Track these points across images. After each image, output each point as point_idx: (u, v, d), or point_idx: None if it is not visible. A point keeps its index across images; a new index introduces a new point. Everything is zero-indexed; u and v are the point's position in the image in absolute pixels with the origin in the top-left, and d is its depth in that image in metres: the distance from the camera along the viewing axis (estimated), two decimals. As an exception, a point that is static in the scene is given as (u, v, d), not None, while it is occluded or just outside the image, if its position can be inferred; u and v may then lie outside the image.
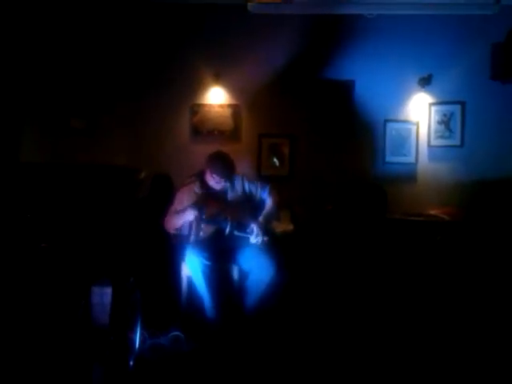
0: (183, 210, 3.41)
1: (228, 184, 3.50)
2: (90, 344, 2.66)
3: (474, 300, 3.67)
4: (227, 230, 3.38)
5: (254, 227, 3.40)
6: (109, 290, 2.77)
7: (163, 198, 3.98)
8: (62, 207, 3.61)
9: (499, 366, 2.88)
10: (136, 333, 2.87)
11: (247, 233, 3.41)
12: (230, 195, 3.54)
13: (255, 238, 3.39)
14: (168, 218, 3.50)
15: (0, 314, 2.96)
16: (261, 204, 3.58)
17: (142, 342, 2.94)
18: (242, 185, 3.58)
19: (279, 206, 3.64)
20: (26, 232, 3.37)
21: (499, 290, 3.73)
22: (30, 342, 2.83)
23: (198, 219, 3.35)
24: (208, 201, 3.43)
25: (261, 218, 3.47)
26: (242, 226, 3.42)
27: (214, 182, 3.46)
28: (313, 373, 2.86)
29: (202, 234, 3.38)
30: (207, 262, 3.28)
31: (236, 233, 3.40)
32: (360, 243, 4.14)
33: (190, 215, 3.37)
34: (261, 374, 2.83)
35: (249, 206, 3.52)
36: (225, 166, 3.46)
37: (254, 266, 3.35)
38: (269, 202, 3.56)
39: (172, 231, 3.52)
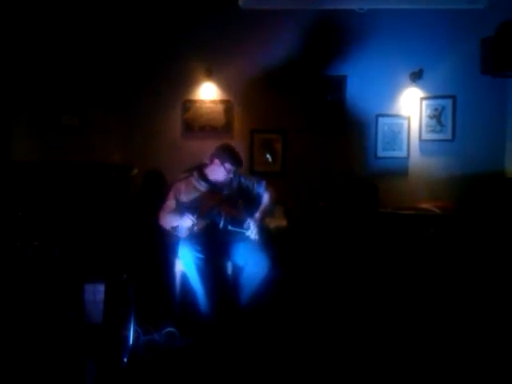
0: (180, 214, 3.40)
1: (232, 176, 3.52)
2: (84, 341, 2.66)
3: (466, 292, 3.70)
4: (221, 224, 3.39)
5: (251, 223, 3.42)
6: (102, 288, 2.77)
7: (155, 195, 3.98)
8: (53, 205, 3.59)
9: (495, 362, 2.90)
10: (129, 329, 2.87)
11: (243, 228, 3.42)
12: (227, 190, 3.55)
13: (251, 233, 3.41)
14: (163, 215, 3.49)
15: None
16: (256, 200, 3.59)
17: (135, 338, 2.94)
18: (239, 181, 3.60)
19: (276, 201, 3.67)
20: (18, 230, 3.35)
21: (491, 282, 3.75)
22: (22, 339, 2.82)
23: (194, 226, 3.35)
24: (204, 195, 3.44)
25: (257, 214, 3.48)
26: (237, 221, 3.43)
27: (225, 171, 3.47)
28: (307, 368, 2.88)
29: (195, 228, 3.38)
30: (200, 256, 3.28)
31: (230, 227, 3.41)
32: (353, 238, 4.15)
33: (186, 222, 3.36)
34: (255, 369, 2.84)
35: (244, 202, 3.53)
36: (236, 155, 3.54)
37: (249, 261, 3.36)
38: (265, 198, 3.59)
39: (167, 228, 3.52)
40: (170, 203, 3.49)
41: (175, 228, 3.46)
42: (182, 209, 3.40)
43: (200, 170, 3.57)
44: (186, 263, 3.33)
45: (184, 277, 3.38)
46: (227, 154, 3.50)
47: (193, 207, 3.38)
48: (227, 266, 3.44)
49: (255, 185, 3.62)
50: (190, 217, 3.33)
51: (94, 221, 3.53)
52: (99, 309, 2.74)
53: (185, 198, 3.48)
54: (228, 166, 3.46)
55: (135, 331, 2.94)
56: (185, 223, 3.37)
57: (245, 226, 3.43)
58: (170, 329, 3.13)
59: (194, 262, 3.27)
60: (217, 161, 3.49)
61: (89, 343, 2.64)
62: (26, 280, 3.07)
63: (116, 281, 2.85)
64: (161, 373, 2.79)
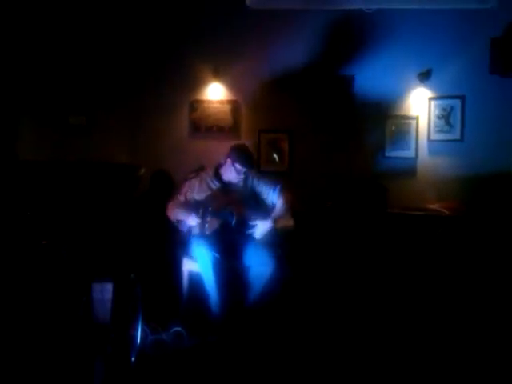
0: (188, 212, 3.42)
1: (244, 177, 3.52)
2: (92, 340, 2.66)
3: (474, 294, 3.67)
4: (233, 223, 3.40)
5: (261, 224, 3.42)
6: (110, 287, 2.77)
7: (163, 194, 3.98)
8: (61, 204, 3.60)
9: (500, 363, 2.88)
10: (137, 329, 2.87)
11: (252, 228, 3.43)
12: (240, 191, 3.55)
13: (259, 234, 3.42)
14: (173, 207, 3.53)
15: (2, 311, 2.96)
16: (269, 204, 3.58)
17: (143, 337, 2.94)
18: (252, 182, 3.60)
19: (290, 205, 3.66)
20: (27, 230, 3.36)
21: (499, 284, 3.73)
22: (31, 339, 2.83)
23: (200, 225, 3.38)
24: (217, 193, 3.45)
25: (270, 218, 3.49)
26: (247, 221, 3.44)
27: (235, 171, 3.48)
28: (314, 368, 2.87)
29: (207, 227, 3.39)
30: (217, 255, 3.29)
31: (241, 227, 3.42)
32: (360, 238, 4.14)
33: (191, 220, 3.40)
34: (262, 369, 2.84)
35: (255, 203, 3.53)
36: (247, 156, 3.54)
37: (255, 261, 3.37)
38: (279, 204, 3.57)
39: (173, 220, 3.55)
40: (180, 198, 3.53)
41: (180, 222, 3.51)
42: (189, 207, 3.43)
43: (216, 169, 3.58)
44: (201, 262, 3.32)
45: (192, 276, 3.39)
46: (238, 154, 3.51)
47: (202, 205, 3.40)
48: (238, 265, 3.44)
49: (270, 191, 3.60)
50: (195, 217, 3.35)
51: (101, 220, 3.54)
52: (107, 308, 2.74)
53: (197, 195, 3.51)
54: (238, 166, 3.47)
55: (143, 330, 2.94)
56: (189, 222, 3.41)
57: (253, 226, 3.44)
58: (177, 328, 3.14)
59: (211, 261, 3.27)
60: (229, 160, 3.51)
61: (97, 342, 2.64)
62: (35, 279, 3.08)
63: (124, 280, 2.85)
64: (168, 372, 2.79)
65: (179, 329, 3.14)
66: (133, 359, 2.75)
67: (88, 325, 2.74)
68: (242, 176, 3.51)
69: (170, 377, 2.76)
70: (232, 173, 3.50)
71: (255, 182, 3.61)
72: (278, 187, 3.61)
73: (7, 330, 2.85)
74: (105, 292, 2.79)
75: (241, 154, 3.50)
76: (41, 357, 2.69)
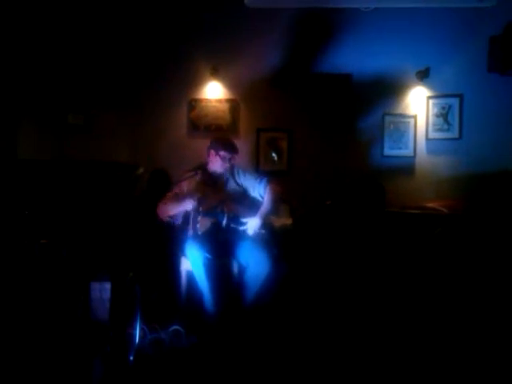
0: (181, 199, 3.43)
1: (230, 166, 3.55)
2: (90, 339, 2.67)
3: (473, 293, 3.67)
4: (224, 222, 3.41)
5: (250, 220, 3.43)
6: (108, 286, 2.78)
7: (161, 194, 3.99)
8: (60, 203, 3.60)
9: (499, 364, 2.88)
10: (136, 328, 2.87)
11: (243, 225, 3.43)
12: (229, 188, 3.57)
13: (251, 230, 3.43)
14: (163, 204, 3.51)
15: (0, 310, 2.96)
16: (258, 198, 3.60)
17: (141, 336, 2.95)
18: (239, 177, 3.62)
19: (279, 196, 3.67)
20: (25, 228, 3.36)
21: (499, 283, 3.73)
22: (29, 338, 2.83)
23: (196, 210, 3.37)
24: (207, 193, 3.45)
25: (258, 214, 3.49)
26: (239, 219, 3.45)
27: (221, 160, 3.51)
28: (312, 366, 2.87)
29: (198, 226, 3.40)
30: (208, 255, 3.30)
31: (232, 225, 3.42)
32: (359, 237, 4.14)
33: (187, 205, 3.40)
34: (260, 368, 2.84)
35: (246, 199, 3.55)
36: (228, 142, 3.66)
37: (251, 260, 3.37)
38: (266, 197, 3.59)
39: (165, 218, 3.54)
40: (170, 195, 3.54)
41: (173, 216, 3.51)
42: (181, 198, 3.44)
43: (202, 168, 3.59)
44: (193, 262, 3.33)
45: (190, 275, 3.39)
46: (219, 143, 3.60)
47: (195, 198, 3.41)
48: (233, 265, 3.44)
49: (256, 183, 3.63)
50: (191, 200, 3.36)
51: (100, 219, 3.54)
52: (105, 307, 2.75)
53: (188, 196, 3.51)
54: (222, 153, 3.53)
55: (141, 329, 2.94)
56: (186, 206, 3.41)
57: (244, 223, 3.45)
58: (175, 327, 3.14)
59: (202, 261, 3.28)
60: (212, 151, 3.57)
61: (95, 341, 2.65)
62: (33, 278, 3.08)
63: (122, 279, 2.85)
64: (166, 371, 2.79)
65: (177, 327, 3.14)
66: (131, 358, 2.75)
67: (86, 324, 2.74)
68: (228, 164, 3.54)
69: (168, 376, 2.76)
70: (218, 163, 3.54)
71: (242, 176, 3.65)
72: (265, 179, 3.64)
73: (5, 328, 2.85)
74: (103, 291, 2.80)
75: (222, 142, 3.61)
76: (39, 356, 2.69)
